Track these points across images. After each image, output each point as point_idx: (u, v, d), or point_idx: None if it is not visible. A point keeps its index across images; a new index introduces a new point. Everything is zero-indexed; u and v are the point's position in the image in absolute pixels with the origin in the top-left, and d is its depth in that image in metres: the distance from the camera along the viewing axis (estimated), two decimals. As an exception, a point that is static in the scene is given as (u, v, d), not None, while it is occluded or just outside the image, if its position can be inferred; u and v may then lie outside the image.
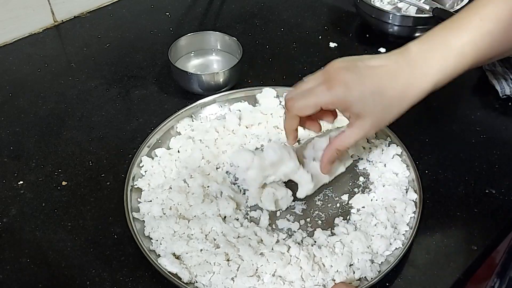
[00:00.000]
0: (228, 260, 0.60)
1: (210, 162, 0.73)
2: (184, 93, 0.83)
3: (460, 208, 0.69)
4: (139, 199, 0.67)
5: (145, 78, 0.88)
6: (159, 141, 0.74)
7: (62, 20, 1.00)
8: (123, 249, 0.64)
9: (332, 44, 0.96)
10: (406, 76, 0.57)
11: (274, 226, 0.66)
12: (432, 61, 0.57)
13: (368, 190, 0.70)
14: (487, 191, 0.71)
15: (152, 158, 0.72)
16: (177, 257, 0.61)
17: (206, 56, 0.90)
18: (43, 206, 0.69)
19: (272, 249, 0.61)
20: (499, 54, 0.60)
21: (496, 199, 0.70)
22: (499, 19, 0.56)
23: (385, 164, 0.72)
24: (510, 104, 0.84)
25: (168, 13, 1.03)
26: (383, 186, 0.69)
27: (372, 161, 0.73)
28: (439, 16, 0.88)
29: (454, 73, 0.58)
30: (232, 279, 0.58)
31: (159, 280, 0.60)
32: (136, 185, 0.69)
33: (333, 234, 0.65)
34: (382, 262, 0.61)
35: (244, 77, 0.87)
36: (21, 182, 0.72)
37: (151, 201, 0.67)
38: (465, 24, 0.57)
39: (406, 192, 0.68)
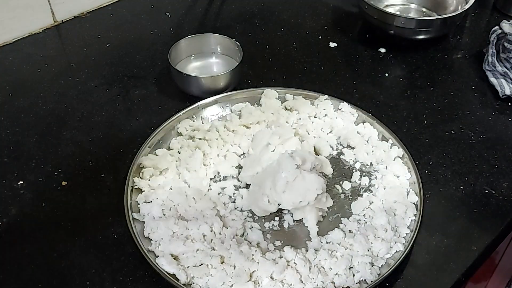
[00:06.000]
0: (223, 262, 0.60)
1: (210, 162, 0.73)
2: (184, 93, 0.83)
3: (460, 208, 0.69)
4: (139, 200, 0.67)
5: (145, 78, 0.88)
6: (160, 141, 0.74)
7: (62, 20, 1.00)
8: (123, 249, 0.64)
9: (332, 44, 0.96)
10: None
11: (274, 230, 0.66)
12: None
13: (369, 192, 0.70)
14: (487, 191, 0.71)
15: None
16: (175, 258, 0.61)
17: (206, 58, 0.89)
18: (43, 206, 0.69)
19: (271, 252, 0.61)
20: None
21: (496, 199, 0.70)
22: None
23: (386, 166, 0.72)
24: (510, 104, 0.84)
25: (168, 13, 1.03)
26: (384, 188, 0.69)
27: (373, 163, 0.73)
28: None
29: None
30: (230, 282, 0.58)
31: (159, 280, 0.60)
32: (136, 185, 0.69)
33: (332, 236, 0.65)
34: (382, 265, 0.61)
35: (244, 77, 0.87)
36: (21, 182, 0.72)
37: (151, 201, 0.67)
38: None
39: (407, 194, 0.68)
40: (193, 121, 0.78)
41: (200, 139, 0.75)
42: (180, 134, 0.76)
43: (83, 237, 0.65)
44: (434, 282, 0.61)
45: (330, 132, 0.77)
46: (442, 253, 0.64)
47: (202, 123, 0.78)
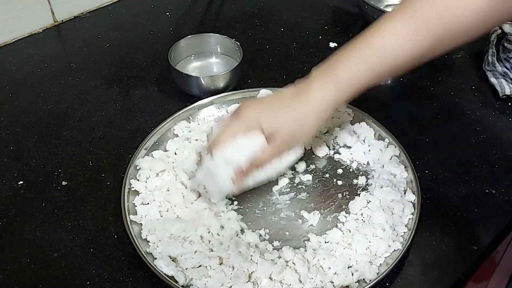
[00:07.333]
0: (221, 263, 0.60)
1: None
2: (184, 93, 0.83)
3: (460, 208, 0.69)
4: (136, 202, 0.67)
5: (145, 78, 0.88)
6: (156, 143, 0.74)
7: (62, 20, 1.00)
8: (123, 249, 0.64)
9: (332, 44, 0.96)
10: (305, 96, 0.63)
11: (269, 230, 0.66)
12: (327, 88, 0.63)
13: (366, 191, 0.70)
14: (487, 191, 0.71)
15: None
16: (174, 260, 0.61)
17: (206, 58, 0.90)
18: (43, 206, 0.69)
19: (269, 252, 0.62)
20: (408, 66, 0.62)
21: (496, 199, 0.70)
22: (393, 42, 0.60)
23: (383, 165, 0.72)
24: (510, 104, 0.84)
25: (168, 13, 1.03)
26: (381, 187, 0.69)
27: (370, 163, 0.73)
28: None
29: (354, 91, 0.63)
30: (229, 283, 0.58)
31: (159, 281, 0.60)
32: (133, 187, 0.68)
33: (331, 236, 0.65)
34: (381, 264, 0.61)
35: (244, 77, 0.87)
36: (21, 182, 0.72)
37: (148, 203, 0.67)
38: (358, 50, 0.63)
39: (404, 193, 0.68)
40: (189, 123, 0.78)
41: (196, 140, 0.74)
42: (176, 136, 0.76)
43: (83, 237, 0.65)
44: (434, 282, 0.61)
45: (327, 132, 0.77)
46: (442, 253, 0.64)
47: (199, 124, 0.78)
